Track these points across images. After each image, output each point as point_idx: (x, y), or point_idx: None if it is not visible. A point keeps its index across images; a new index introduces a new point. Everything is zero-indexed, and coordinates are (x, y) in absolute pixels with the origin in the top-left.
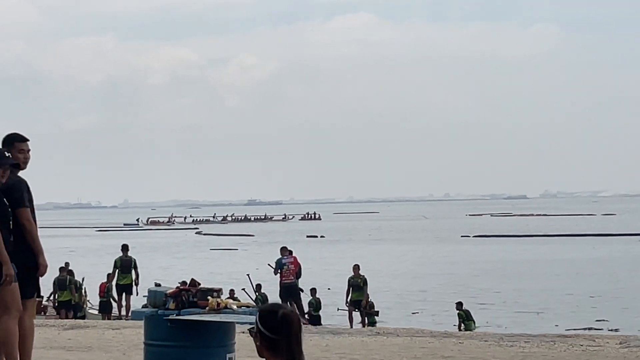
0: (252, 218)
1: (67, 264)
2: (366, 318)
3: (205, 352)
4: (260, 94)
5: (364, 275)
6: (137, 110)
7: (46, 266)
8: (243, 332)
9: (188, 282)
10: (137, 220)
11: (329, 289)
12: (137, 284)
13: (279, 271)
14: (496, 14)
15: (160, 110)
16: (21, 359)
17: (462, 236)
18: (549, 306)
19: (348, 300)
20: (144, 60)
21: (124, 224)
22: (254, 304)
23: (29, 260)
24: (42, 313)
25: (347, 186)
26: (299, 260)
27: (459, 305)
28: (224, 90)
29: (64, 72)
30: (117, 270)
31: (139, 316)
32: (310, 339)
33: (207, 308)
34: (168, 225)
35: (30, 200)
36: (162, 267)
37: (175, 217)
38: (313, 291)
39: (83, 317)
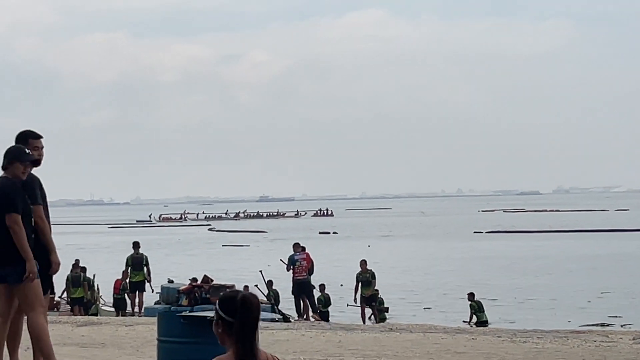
0: (265, 214)
1: (77, 261)
2: (373, 314)
3: (218, 348)
4: (273, 91)
5: (371, 270)
6: (149, 107)
7: (59, 264)
8: None
9: (200, 279)
10: (150, 216)
11: (341, 285)
12: (149, 281)
13: (292, 267)
14: (508, 9)
15: (172, 106)
16: (34, 355)
17: (474, 232)
18: (561, 302)
19: (357, 296)
20: (156, 57)
21: (137, 221)
22: (267, 300)
23: (42, 258)
24: (55, 309)
25: (359, 182)
26: (311, 257)
27: (471, 296)
28: (236, 87)
29: (76, 70)
30: (129, 268)
31: (152, 313)
32: (323, 335)
33: None
34: (180, 221)
35: (43, 198)
36: (174, 264)
37: (187, 213)
38: (322, 287)
39: (95, 314)
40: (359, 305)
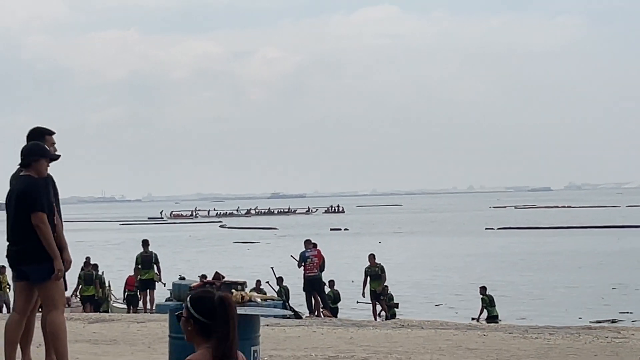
0: (276, 211)
1: (88, 258)
2: (383, 310)
3: None
4: (284, 87)
5: (381, 264)
6: (161, 104)
7: (70, 261)
8: (267, 325)
9: (211, 276)
10: (161, 213)
11: (352, 281)
12: (159, 279)
13: (303, 264)
14: (519, 5)
15: (184, 103)
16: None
17: (486, 228)
18: (572, 298)
19: (365, 290)
20: (168, 54)
21: (148, 218)
22: (278, 297)
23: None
24: (67, 305)
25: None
26: (322, 254)
27: (483, 289)
28: (248, 84)
29: (88, 67)
30: (138, 266)
31: (163, 309)
32: (334, 332)
33: None
34: (191, 218)
35: (56, 195)
36: (186, 261)
37: (198, 210)
38: (331, 283)
39: (106, 311)
40: (369, 301)
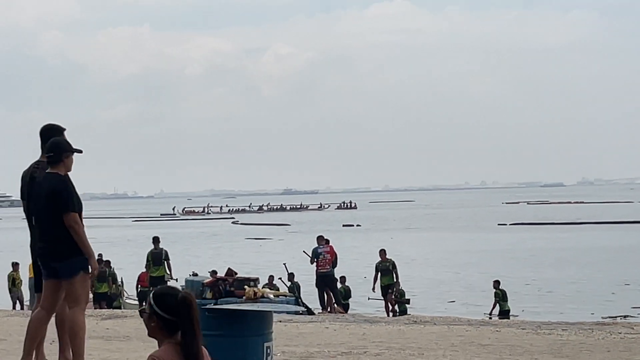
0: (288, 207)
1: (100, 255)
2: (397, 306)
3: (243, 341)
4: (296, 84)
5: (392, 259)
6: (173, 100)
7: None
8: (280, 321)
9: (221, 272)
10: (173, 210)
11: (364, 277)
12: (170, 276)
13: (316, 260)
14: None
15: (196, 100)
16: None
17: (499, 224)
18: (585, 294)
19: (375, 285)
20: (180, 51)
21: (161, 214)
22: (290, 293)
23: None
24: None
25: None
26: (335, 250)
27: (497, 283)
28: (259, 80)
29: (101, 63)
30: (149, 264)
31: None
32: (347, 328)
33: (244, 297)
34: (203, 215)
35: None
36: (198, 257)
37: (211, 206)
38: (342, 279)
39: (119, 307)
40: (381, 297)
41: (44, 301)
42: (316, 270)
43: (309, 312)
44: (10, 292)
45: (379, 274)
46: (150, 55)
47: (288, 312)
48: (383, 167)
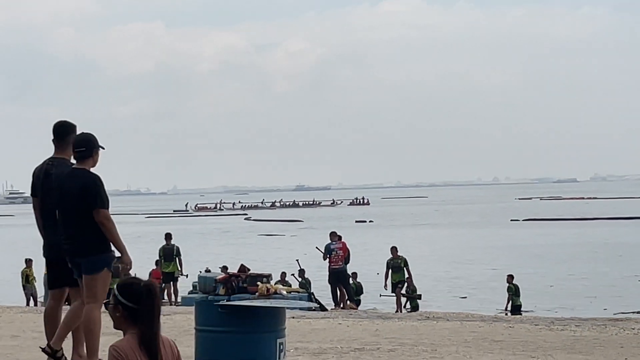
0: (301, 203)
1: (112, 252)
2: (408, 302)
3: (256, 337)
4: (309, 79)
5: (403, 256)
6: (186, 96)
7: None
8: (293, 317)
9: (233, 268)
10: (186, 206)
11: (377, 274)
12: (180, 272)
13: (328, 256)
14: None
15: (209, 96)
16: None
17: (511, 220)
18: (598, 290)
19: (387, 282)
20: (192, 47)
21: (174, 211)
22: (301, 289)
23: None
24: None
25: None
26: (347, 246)
27: (510, 278)
28: (272, 76)
29: (114, 59)
30: (161, 259)
31: (189, 302)
32: (360, 324)
33: (256, 294)
34: (216, 211)
35: None
36: (211, 253)
37: (223, 203)
38: (354, 275)
39: None
40: (392, 293)
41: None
42: (329, 267)
43: (322, 308)
44: (24, 289)
45: (390, 270)
46: (163, 51)
47: (301, 309)
48: (395, 163)
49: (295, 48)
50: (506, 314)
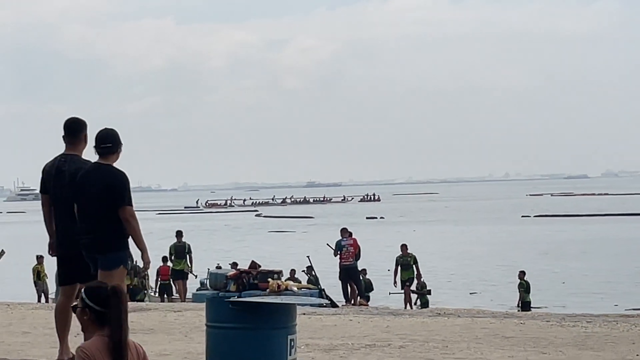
0: (311, 200)
1: None
2: (419, 299)
3: (267, 333)
4: (320, 76)
5: (413, 254)
6: (197, 93)
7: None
8: (304, 314)
9: (242, 264)
10: (197, 202)
11: (388, 270)
12: (190, 269)
13: (339, 253)
14: None
15: (220, 92)
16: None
17: (522, 216)
18: (609, 286)
19: (396, 279)
20: (203, 43)
21: (185, 207)
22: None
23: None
24: None
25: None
26: (358, 242)
27: (522, 274)
28: (283, 72)
29: (124, 56)
30: (172, 256)
31: (200, 299)
32: (370, 320)
33: (267, 290)
34: (227, 207)
35: None
36: (221, 250)
37: (234, 199)
38: (363, 272)
39: (142, 300)
40: (401, 290)
41: None
42: (339, 263)
43: (333, 304)
44: (35, 285)
45: (400, 267)
46: (173, 48)
47: (312, 305)
48: (406, 159)
49: (306, 44)
50: (518, 310)
